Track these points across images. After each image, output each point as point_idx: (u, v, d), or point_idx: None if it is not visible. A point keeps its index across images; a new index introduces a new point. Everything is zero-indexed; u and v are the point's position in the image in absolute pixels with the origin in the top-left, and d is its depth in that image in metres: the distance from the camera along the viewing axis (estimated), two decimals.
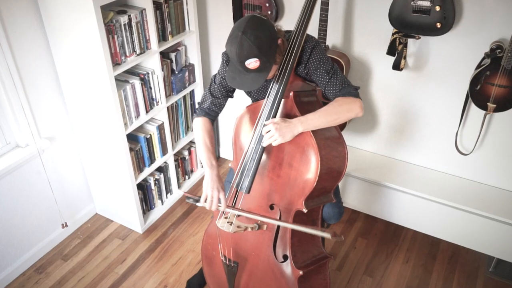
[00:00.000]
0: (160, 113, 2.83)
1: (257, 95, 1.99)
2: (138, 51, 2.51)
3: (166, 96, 2.85)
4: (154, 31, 2.53)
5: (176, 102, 2.96)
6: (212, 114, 2.01)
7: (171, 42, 2.71)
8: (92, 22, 2.17)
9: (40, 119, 2.53)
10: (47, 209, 2.74)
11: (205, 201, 1.85)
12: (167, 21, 2.65)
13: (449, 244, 2.82)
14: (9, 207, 2.51)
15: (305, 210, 1.78)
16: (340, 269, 2.68)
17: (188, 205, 3.16)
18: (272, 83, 1.80)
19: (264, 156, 1.84)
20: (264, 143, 1.74)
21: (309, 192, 1.75)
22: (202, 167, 3.41)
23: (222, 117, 3.43)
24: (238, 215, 1.93)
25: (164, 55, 2.82)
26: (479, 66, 2.27)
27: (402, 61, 2.44)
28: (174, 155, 3.09)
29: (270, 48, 1.64)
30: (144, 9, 2.46)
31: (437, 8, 2.16)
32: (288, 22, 2.70)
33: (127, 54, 2.46)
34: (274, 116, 1.78)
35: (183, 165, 3.25)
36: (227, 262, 2.08)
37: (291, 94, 1.79)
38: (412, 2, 2.20)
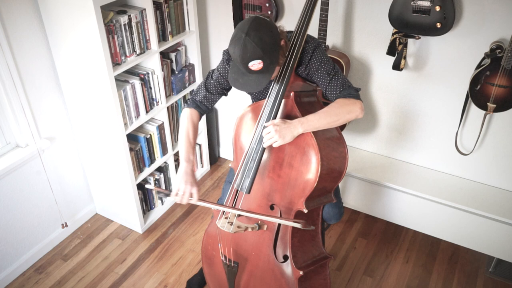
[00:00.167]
0: (160, 113, 2.83)
1: (257, 95, 1.99)
2: (138, 51, 2.51)
3: (166, 96, 2.85)
4: (154, 31, 2.53)
5: (176, 102, 2.96)
6: (203, 108, 2.00)
7: (171, 42, 2.71)
8: (92, 22, 2.17)
9: (40, 119, 2.53)
10: (47, 209, 2.74)
11: (176, 195, 1.83)
12: (167, 21, 2.65)
13: (449, 244, 2.82)
14: (9, 207, 2.51)
15: (305, 211, 1.78)
16: (340, 269, 2.68)
17: (188, 205, 3.16)
18: (272, 83, 1.80)
19: (264, 156, 1.84)
20: (265, 145, 1.74)
21: (309, 193, 1.75)
22: (201, 167, 3.43)
23: (222, 117, 3.43)
24: (239, 215, 1.93)
25: (164, 55, 2.82)
26: (479, 66, 2.27)
27: (402, 61, 2.44)
28: (174, 155, 3.09)
29: (273, 49, 1.64)
30: (144, 9, 2.46)
31: (437, 8, 2.16)
32: (288, 22, 2.70)
33: (127, 54, 2.46)
34: (275, 117, 1.78)
35: None
36: (227, 262, 2.08)
37: (291, 94, 1.79)
38: (412, 2, 2.20)
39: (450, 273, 2.66)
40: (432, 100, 2.56)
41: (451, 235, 2.62)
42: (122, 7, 2.45)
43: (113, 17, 2.33)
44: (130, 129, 2.61)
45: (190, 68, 2.98)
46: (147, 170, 2.85)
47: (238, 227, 1.91)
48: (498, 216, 2.42)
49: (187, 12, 2.79)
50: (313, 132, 1.72)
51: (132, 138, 2.76)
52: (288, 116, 1.80)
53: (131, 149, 2.68)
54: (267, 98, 1.81)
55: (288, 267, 1.90)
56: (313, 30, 2.40)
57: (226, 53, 1.91)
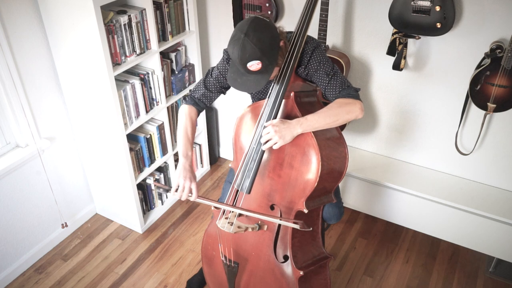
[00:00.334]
0: (160, 113, 2.83)
1: (258, 95, 1.99)
2: (138, 51, 2.51)
3: (166, 96, 2.85)
4: (154, 31, 2.53)
5: (176, 102, 2.96)
6: (201, 105, 2.00)
7: (171, 42, 2.71)
8: (92, 22, 2.17)
9: (40, 119, 2.53)
10: (47, 209, 2.74)
11: (176, 191, 1.83)
12: (167, 21, 2.65)
13: (449, 244, 2.82)
14: (9, 207, 2.51)
15: (305, 211, 1.78)
16: (340, 269, 2.68)
17: (188, 205, 3.16)
18: (273, 83, 1.80)
19: (264, 156, 1.84)
20: (264, 146, 1.74)
21: (309, 193, 1.75)
22: (201, 167, 3.42)
23: (222, 117, 3.43)
24: (239, 215, 1.93)
25: (164, 55, 2.82)
26: (479, 66, 2.27)
27: (402, 61, 2.44)
28: (174, 155, 3.09)
29: (272, 50, 1.64)
30: (144, 9, 2.46)
31: (437, 8, 2.16)
32: (288, 22, 2.70)
33: (127, 54, 2.46)
34: (275, 117, 1.78)
35: None
36: (228, 262, 2.08)
37: (291, 94, 1.79)
38: (412, 2, 2.20)
39: (450, 273, 2.66)
40: (432, 100, 2.56)
41: (451, 235, 2.63)
42: (122, 7, 2.45)
43: (113, 17, 2.33)
44: (130, 129, 2.61)
45: (190, 68, 2.98)
46: (147, 170, 2.85)
47: (238, 227, 1.91)
48: (498, 216, 2.42)
49: (187, 12, 2.79)
50: (313, 132, 1.72)
51: (132, 138, 2.76)
52: (289, 116, 1.80)
53: (131, 149, 2.68)
54: (267, 98, 1.81)
55: (288, 267, 1.90)
56: (313, 30, 2.40)
57: (227, 52, 1.91)
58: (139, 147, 2.76)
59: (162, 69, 2.73)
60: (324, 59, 1.79)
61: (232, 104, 3.28)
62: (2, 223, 2.50)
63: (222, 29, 3.01)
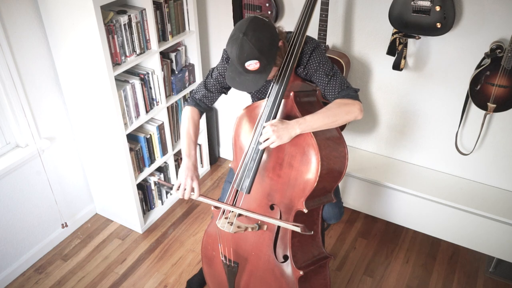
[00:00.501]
0: (160, 113, 2.83)
1: (257, 95, 1.99)
2: (138, 51, 2.51)
3: (166, 96, 2.85)
4: (154, 31, 2.53)
5: (176, 102, 2.96)
6: (202, 106, 2.01)
7: (171, 42, 2.71)
8: (92, 22, 2.17)
9: (40, 119, 2.53)
10: (47, 209, 2.74)
11: (178, 189, 1.84)
12: (167, 21, 2.65)
13: (449, 244, 2.82)
14: (9, 207, 2.51)
15: (305, 210, 1.78)
16: (340, 269, 2.68)
17: (188, 205, 3.16)
18: (272, 83, 1.80)
19: (264, 156, 1.84)
20: (261, 146, 1.75)
21: (309, 193, 1.75)
22: (200, 167, 3.42)
23: (222, 117, 3.43)
24: (239, 215, 1.93)
25: (164, 55, 2.82)
26: (479, 66, 2.27)
27: (402, 61, 2.44)
28: (174, 155, 3.09)
29: (270, 50, 1.64)
30: (144, 9, 2.46)
31: (437, 8, 2.16)
32: (288, 22, 2.70)
33: (127, 54, 2.46)
34: (275, 116, 1.78)
35: None
36: (227, 262, 2.08)
37: (291, 94, 1.79)
38: (412, 2, 2.20)
39: (450, 273, 2.66)
40: (432, 100, 2.56)
41: (451, 235, 2.62)
42: (122, 7, 2.45)
43: (113, 17, 2.33)
44: (130, 129, 2.61)
45: (190, 68, 2.98)
46: (147, 170, 2.85)
47: (238, 227, 1.91)
48: (498, 216, 2.42)
49: (187, 12, 2.79)
50: (313, 132, 1.72)
51: (132, 138, 2.76)
52: (288, 116, 1.80)
53: (131, 149, 2.68)
54: (267, 98, 1.81)
55: (288, 267, 1.90)
56: (313, 30, 2.41)
57: (226, 52, 1.91)
58: (139, 147, 2.76)
59: (162, 69, 2.73)
60: (324, 59, 1.78)
61: (232, 104, 3.28)
62: (2, 223, 2.50)
63: (222, 29, 3.01)
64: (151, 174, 2.96)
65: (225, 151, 3.57)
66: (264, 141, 1.73)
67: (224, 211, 1.96)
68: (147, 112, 2.71)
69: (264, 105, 1.81)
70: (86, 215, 3.02)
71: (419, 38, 2.36)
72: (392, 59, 2.48)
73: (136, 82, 2.56)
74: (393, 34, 2.38)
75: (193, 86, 3.04)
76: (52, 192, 2.71)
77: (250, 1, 2.65)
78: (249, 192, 1.86)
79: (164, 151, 2.94)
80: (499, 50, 2.16)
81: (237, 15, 2.72)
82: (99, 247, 2.84)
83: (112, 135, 2.56)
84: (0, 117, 2.39)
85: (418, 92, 2.57)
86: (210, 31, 3.07)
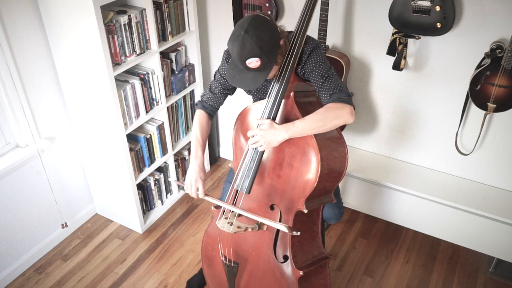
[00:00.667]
0: (160, 113, 2.83)
1: (258, 95, 2.00)
2: (138, 51, 2.51)
3: (166, 96, 2.85)
4: (154, 31, 2.53)
5: (176, 102, 2.96)
6: (209, 108, 2.05)
7: (171, 42, 2.71)
8: (92, 22, 2.17)
9: (40, 119, 2.53)
10: (47, 209, 2.74)
11: (186, 189, 1.97)
12: (167, 21, 2.65)
13: (449, 244, 2.82)
14: (9, 207, 2.51)
15: (305, 211, 1.78)
16: (340, 269, 2.68)
17: (188, 205, 3.16)
18: (272, 83, 1.80)
19: (264, 157, 1.84)
20: (251, 146, 1.77)
21: (309, 193, 1.75)
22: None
23: (222, 117, 3.43)
24: (239, 215, 1.93)
25: (164, 55, 2.82)
26: (479, 66, 2.27)
27: (402, 61, 2.44)
28: (174, 155, 3.09)
29: (271, 48, 1.65)
30: (144, 9, 2.46)
31: (437, 8, 2.16)
32: (288, 22, 2.70)
33: (127, 54, 2.46)
34: (275, 117, 1.78)
35: (183, 165, 3.25)
36: (227, 262, 2.08)
37: (291, 94, 1.78)
38: (412, 2, 2.19)
39: (450, 273, 2.66)
40: (432, 100, 2.56)
41: (451, 235, 2.62)
42: (122, 7, 2.45)
43: (113, 17, 2.33)
44: (130, 129, 2.61)
45: (190, 68, 2.98)
46: (147, 170, 2.85)
47: (238, 227, 1.91)
48: (498, 216, 2.42)
49: (187, 12, 2.79)
50: None
51: (132, 138, 2.76)
52: (288, 116, 1.80)
53: (131, 149, 2.68)
54: (267, 98, 1.81)
55: (288, 267, 1.90)
56: (313, 30, 2.41)
57: (226, 51, 1.92)
58: (139, 147, 2.76)
59: (162, 69, 2.73)
60: (321, 60, 1.78)
61: (232, 104, 3.27)
62: (2, 223, 2.50)
63: (222, 29, 3.01)
64: (151, 174, 2.96)
65: (225, 151, 3.57)
66: (253, 144, 1.76)
67: (224, 211, 1.96)
68: (147, 112, 2.71)
69: (265, 105, 1.81)
70: (86, 215, 3.02)
71: (419, 38, 2.36)
72: (392, 59, 2.48)
73: (136, 82, 2.56)
74: (393, 34, 2.38)
75: (193, 86, 3.04)
76: (52, 192, 2.71)
77: (250, 1, 2.65)
78: (249, 192, 1.86)
79: (164, 151, 2.94)
80: (499, 50, 2.16)
81: (237, 15, 2.72)
82: (99, 247, 2.84)
83: (112, 135, 2.56)
84: (0, 117, 2.39)
85: (418, 92, 2.57)
86: (210, 31, 3.07)
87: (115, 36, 2.34)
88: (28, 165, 2.53)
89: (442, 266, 2.70)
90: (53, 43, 2.40)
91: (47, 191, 2.69)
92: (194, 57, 2.98)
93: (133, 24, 2.42)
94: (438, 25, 2.20)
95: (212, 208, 2.08)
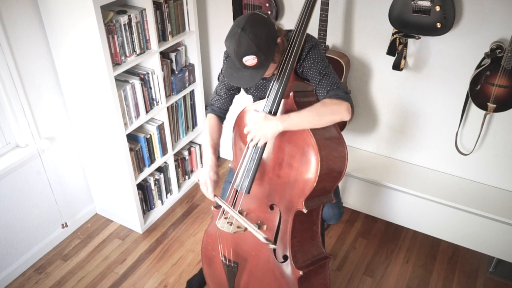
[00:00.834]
0: (160, 113, 2.83)
1: (257, 94, 2.00)
2: (138, 51, 2.51)
3: (166, 96, 2.85)
4: (154, 31, 2.53)
5: (176, 102, 2.96)
6: (218, 111, 2.08)
7: (171, 42, 2.71)
8: (92, 22, 2.17)
9: (40, 119, 2.53)
10: (47, 209, 2.74)
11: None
12: (167, 21, 2.65)
13: (449, 244, 2.82)
14: (9, 207, 2.51)
15: (305, 211, 1.78)
16: (340, 269, 2.68)
17: (188, 205, 3.17)
18: (272, 82, 1.79)
19: (264, 156, 1.84)
20: (251, 143, 1.77)
21: (309, 193, 1.75)
22: (200, 167, 3.42)
23: None
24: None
25: (164, 55, 2.82)
26: (479, 66, 2.27)
27: (402, 61, 2.44)
28: (174, 155, 3.09)
29: (268, 46, 1.65)
30: (144, 9, 2.46)
31: (437, 8, 2.16)
32: (288, 22, 2.70)
33: (127, 54, 2.46)
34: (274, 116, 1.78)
35: (183, 165, 3.25)
36: (227, 262, 2.08)
37: (291, 94, 1.78)
38: (412, 2, 2.19)
39: (450, 273, 2.66)
40: (432, 100, 2.56)
41: (451, 235, 2.62)
42: (122, 7, 2.45)
43: (113, 17, 2.33)
44: (130, 129, 2.61)
45: (190, 68, 2.98)
46: (147, 170, 2.85)
47: (238, 227, 1.91)
48: (498, 216, 2.42)
49: (187, 12, 2.79)
50: (312, 132, 1.72)
51: (132, 138, 2.76)
52: None
53: (131, 149, 2.68)
54: (266, 97, 1.81)
55: (288, 267, 1.90)
56: (313, 30, 2.40)
57: (226, 52, 1.92)
58: (139, 147, 2.76)
59: (162, 69, 2.73)
60: (319, 57, 1.77)
61: (232, 104, 3.27)
62: (2, 223, 2.50)
63: (222, 29, 3.01)
64: (151, 174, 2.96)
65: (225, 151, 3.57)
66: (250, 141, 1.76)
67: (224, 211, 1.96)
68: (147, 112, 2.71)
69: (264, 105, 1.81)
70: (86, 215, 3.02)
71: (419, 38, 2.36)
72: (392, 59, 2.48)
73: (136, 82, 2.56)
74: (393, 34, 2.38)
75: (193, 86, 3.04)
76: (52, 192, 2.72)
77: (250, 1, 2.65)
78: (248, 192, 1.86)
79: (164, 151, 2.94)
80: (499, 50, 2.16)
81: (237, 15, 2.72)
82: (99, 247, 2.84)
83: (112, 135, 2.56)
84: (0, 117, 2.39)
85: (418, 92, 2.57)
86: (210, 31, 3.08)
87: (115, 36, 2.34)
88: (28, 165, 2.53)
89: (442, 266, 2.70)
90: (53, 43, 2.40)
91: (47, 191, 2.69)
92: (194, 57, 2.98)
93: (133, 24, 2.42)
94: (438, 25, 2.20)
95: (212, 208, 2.09)
